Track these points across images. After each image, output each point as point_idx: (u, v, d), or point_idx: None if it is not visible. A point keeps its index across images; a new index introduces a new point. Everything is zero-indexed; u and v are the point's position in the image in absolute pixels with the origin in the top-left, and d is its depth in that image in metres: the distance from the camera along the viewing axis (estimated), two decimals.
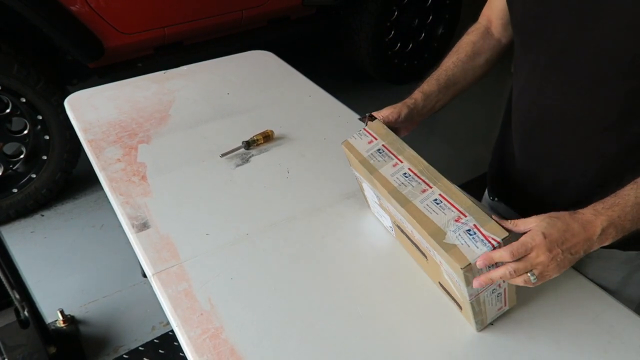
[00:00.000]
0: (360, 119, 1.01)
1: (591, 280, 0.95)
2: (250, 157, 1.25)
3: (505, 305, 0.85)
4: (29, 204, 2.28)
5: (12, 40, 2.09)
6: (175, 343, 1.76)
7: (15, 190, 2.22)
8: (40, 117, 2.14)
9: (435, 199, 0.80)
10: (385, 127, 0.94)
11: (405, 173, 0.86)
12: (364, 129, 0.95)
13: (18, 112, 2.13)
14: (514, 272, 0.71)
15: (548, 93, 0.88)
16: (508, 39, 1.04)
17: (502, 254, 0.71)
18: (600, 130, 0.84)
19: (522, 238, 0.72)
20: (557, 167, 0.93)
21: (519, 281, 0.73)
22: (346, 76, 3.53)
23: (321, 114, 1.43)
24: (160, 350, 1.77)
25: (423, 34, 3.28)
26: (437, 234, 0.76)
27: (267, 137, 1.29)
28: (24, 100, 2.07)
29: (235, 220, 1.06)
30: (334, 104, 1.48)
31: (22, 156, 2.21)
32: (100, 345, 1.78)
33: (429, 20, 3.26)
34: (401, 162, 0.87)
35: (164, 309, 0.89)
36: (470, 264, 0.71)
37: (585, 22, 0.77)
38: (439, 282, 0.89)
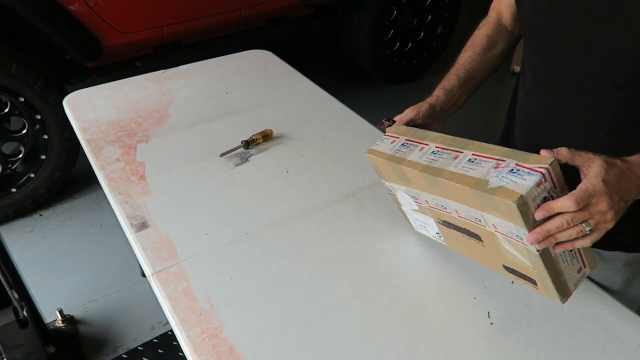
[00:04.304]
0: (379, 127, 0.99)
1: (594, 281, 0.95)
2: (249, 156, 1.25)
3: (584, 266, 0.77)
4: (28, 204, 2.28)
5: (10, 40, 2.08)
6: (175, 343, 1.75)
7: (13, 190, 2.22)
8: (38, 117, 2.13)
9: (470, 159, 0.75)
10: (405, 126, 0.92)
11: (433, 151, 0.81)
12: (385, 135, 0.93)
13: (17, 112, 2.13)
14: (572, 220, 0.67)
15: (555, 93, 0.87)
16: (520, 30, 1.04)
17: (565, 202, 0.66)
18: (609, 131, 0.84)
19: (582, 185, 0.67)
20: (564, 169, 0.93)
21: (573, 232, 0.68)
22: (345, 75, 3.53)
23: (320, 113, 1.43)
24: (159, 350, 1.77)
25: (422, 34, 3.28)
26: (479, 185, 0.70)
27: (266, 137, 1.29)
28: (22, 99, 2.07)
29: (235, 219, 1.06)
30: (333, 104, 1.48)
31: (20, 156, 2.21)
32: (100, 344, 1.78)
33: (428, 20, 3.26)
34: (427, 144, 0.84)
35: (163, 309, 0.89)
36: (522, 195, 0.65)
37: (596, 27, 0.76)
38: (504, 266, 0.82)
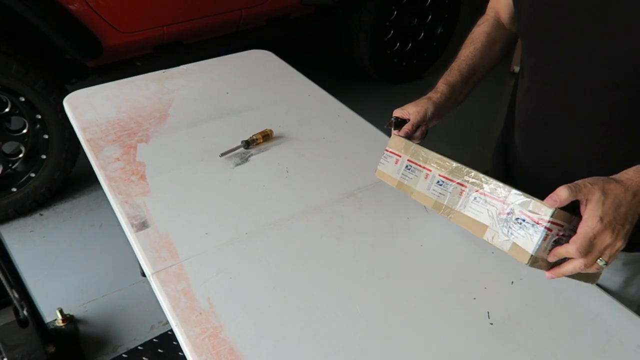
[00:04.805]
0: (386, 127, 1.00)
1: None
2: (249, 156, 1.25)
3: None
4: (28, 203, 2.28)
5: (11, 40, 2.08)
6: (174, 342, 1.75)
7: (14, 190, 2.22)
8: (39, 116, 2.13)
9: (475, 198, 0.81)
10: (403, 139, 0.96)
11: (438, 181, 0.87)
12: (386, 150, 0.96)
13: (17, 111, 2.13)
14: (584, 266, 0.71)
15: (554, 94, 0.87)
16: (518, 31, 1.05)
17: (569, 250, 0.71)
18: (608, 132, 0.84)
19: (581, 229, 0.70)
20: (563, 169, 0.92)
21: (592, 270, 0.73)
22: (345, 75, 3.53)
23: (320, 113, 1.43)
24: (159, 350, 1.77)
25: (422, 34, 3.28)
26: (491, 237, 0.77)
27: (267, 137, 1.29)
28: (22, 99, 2.07)
29: (234, 219, 1.06)
30: (333, 103, 1.48)
31: (21, 155, 2.21)
32: (99, 344, 1.78)
33: (428, 20, 3.26)
34: (430, 170, 0.89)
35: (163, 309, 0.89)
36: (532, 255, 0.72)
37: (595, 27, 0.76)
38: None
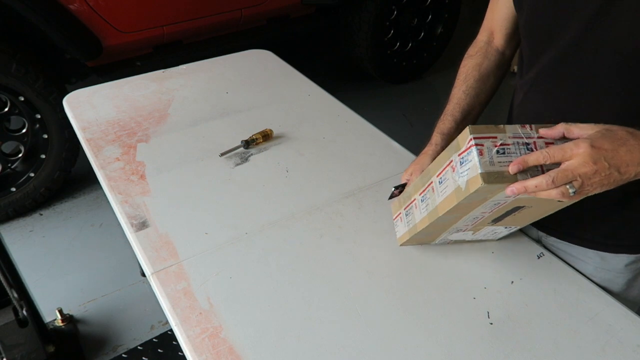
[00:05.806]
0: (390, 198, 1.01)
1: (595, 282, 0.95)
2: (249, 156, 1.25)
3: None
4: (28, 203, 2.28)
5: (10, 39, 2.08)
6: (174, 342, 1.75)
7: (13, 189, 2.22)
8: (38, 116, 2.13)
9: (439, 181, 0.84)
10: (397, 199, 1.00)
11: (421, 199, 0.90)
12: (394, 220, 1.00)
13: (17, 111, 2.13)
14: (552, 181, 0.66)
15: (558, 94, 0.87)
16: (512, 50, 1.04)
17: (537, 156, 0.68)
18: None
19: (565, 143, 0.66)
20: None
21: (557, 193, 0.67)
22: (345, 75, 3.53)
23: (320, 113, 1.43)
24: (159, 350, 1.77)
25: (422, 33, 3.28)
26: (459, 194, 0.77)
27: (266, 136, 1.29)
28: (22, 98, 2.07)
29: (234, 219, 1.06)
30: (333, 103, 1.48)
31: (20, 155, 2.21)
32: (99, 344, 1.78)
33: (428, 20, 3.26)
34: (415, 199, 0.93)
35: (162, 308, 0.89)
36: (480, 174, 0.71)
37: (597, 22, 0.76)
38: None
